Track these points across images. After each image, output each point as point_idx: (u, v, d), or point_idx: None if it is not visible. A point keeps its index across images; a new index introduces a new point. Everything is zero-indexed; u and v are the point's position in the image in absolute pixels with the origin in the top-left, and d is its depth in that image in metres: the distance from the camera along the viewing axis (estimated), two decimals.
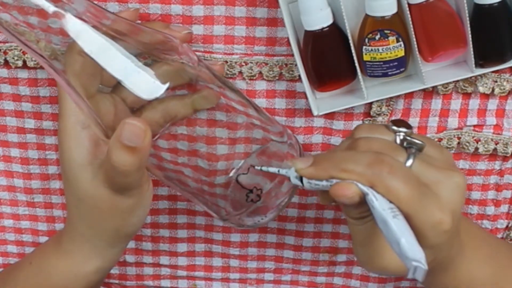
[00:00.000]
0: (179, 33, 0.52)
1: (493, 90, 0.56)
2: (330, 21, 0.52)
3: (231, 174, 0.51)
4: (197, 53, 0.55)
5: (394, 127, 0.48)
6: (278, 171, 0.50)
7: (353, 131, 0.50)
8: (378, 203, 0.43)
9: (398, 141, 0.48)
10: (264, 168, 0.50)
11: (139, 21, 0.54)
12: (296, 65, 0.54)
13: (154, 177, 0.52)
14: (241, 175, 0.50)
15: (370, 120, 0.58)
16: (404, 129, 0.48)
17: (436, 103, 0.57)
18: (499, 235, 0.63)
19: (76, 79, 0.47)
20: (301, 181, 0.48)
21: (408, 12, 0.51)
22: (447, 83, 0.56)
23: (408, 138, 0.47)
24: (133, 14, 0.52)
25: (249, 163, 0.51)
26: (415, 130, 0.58)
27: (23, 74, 0.57)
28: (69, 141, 0.50)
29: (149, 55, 0.48)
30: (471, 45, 0.53)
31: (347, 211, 0.48)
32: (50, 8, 0.44)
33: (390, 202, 0.44)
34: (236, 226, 0.54)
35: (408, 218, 0.43)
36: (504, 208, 0.62)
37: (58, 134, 0.51)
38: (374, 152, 0.45)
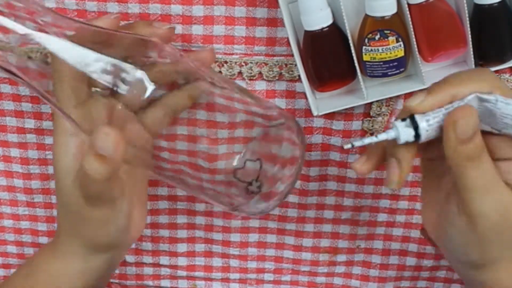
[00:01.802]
0: (160, 30, 0.50)
1: None
2: (330, 21, 0.52)
3: (235, 163, 0.50)
4: None
5: None
6: (378, 137, 0.45)
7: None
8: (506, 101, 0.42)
9: None
10: (361, 142, 0.46)
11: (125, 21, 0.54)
12: (296, 65, 0.54)
13: (154, 177, 0.52)
14: (247, 162, 0.50)
15: (370, 120, 0.58)
16: None
17: None
18: None
19: (61, 88, 0.47)
20: (415, 130, 0.44)
21: (408, 12, 0.51)
22: None
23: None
24: (113, 22, 0.50)
25: (250, 148, 0.50)
26: None
27: None
28: (58, 147, 0.50)
29: (131, 58, 0.48)
30: (471, 45, 0.53)
31: (460, 150, 0.44)
32: (21, 30, 0.45)
33: None
34: (248, 214, 0.54)
35: None
36: None
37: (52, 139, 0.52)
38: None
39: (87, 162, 0.46)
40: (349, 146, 0.46)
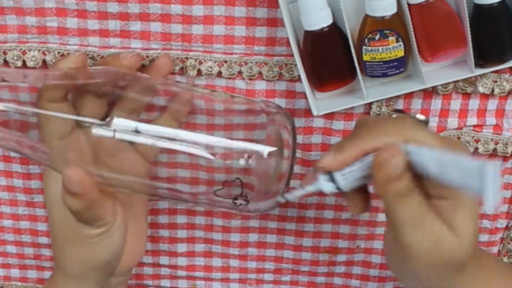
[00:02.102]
0: (126, 60, 0.52)
1: (493, 90, 0.56)
2: (330, 21, 0.52)
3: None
4: (197, 53, 0.55)
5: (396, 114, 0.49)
6: (305, 189, 0.48)
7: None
8: (425, 150, 0.43)
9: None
10: (292, 195, 0.50)
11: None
12: (296, 65, 0.54)
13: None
14: (226, 183, 0.52)
15: None
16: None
17: (436, 103, 0.57)
18: (499, 235, 0.63)
19: (47, 122, 0.50)
20: (335, 183, 0.47)
21: (408, 12, 0.51)
22: (447, 83, 0.56)
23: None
24: (79, 59, 0.51)
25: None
26: None
27: None
28: (48, 178, 0.53)
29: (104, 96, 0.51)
30: (471, 45, 0.53)
31: (390, 188, 0.45)
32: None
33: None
34: (253, 213, 0.54)
35: None
36: (503, 207, 0.62)
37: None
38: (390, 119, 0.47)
39: (64, 197, 0.49)
40: (282, 200, 0.50)
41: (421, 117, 0.48)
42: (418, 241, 0.46)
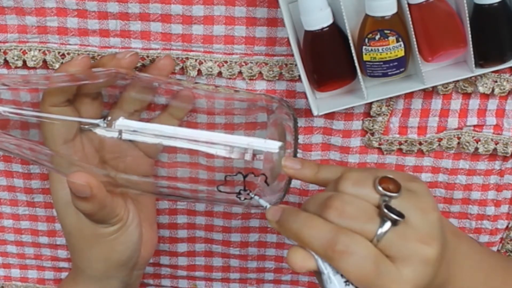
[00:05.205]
0: (124, 60, 0.52)
1: (493, 90, 0.56)
2: (330, 21, 0.52)
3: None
4: (197, 53, 0.55)
5: (380, 188, 0.45)
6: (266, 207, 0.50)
7: (340, 178, 0.47)
8: (332, 286, 0.43)
9: (380, 201, 0.45)
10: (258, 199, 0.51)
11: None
12: (296, 65, 0.54)
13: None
14: (227, 177, 0.52)
15: (370, 120, 0.58)
16: (389, 194, 0.45)
17: (436, 103, 0.57)
18: (499, 236, 0.63)
19: (50, 127, 0.51)
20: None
21: (408, 12, 0.51)
22: (447, 83, 0.56)
23: (385, 210, 0.44)
24: (83, 62, 0.51)
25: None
26: (415, 130, 0.58)
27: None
28: (55, 184, 0.54)
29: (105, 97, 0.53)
30: (471, 45, 0.53)
31: None
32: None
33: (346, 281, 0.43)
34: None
35: None
36: (504, 208, 0.62)
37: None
38: (334, 228, 0.44)
39: (75, 203, 0.50)
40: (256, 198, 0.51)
41: (393, 215, 0.44)
42: None
